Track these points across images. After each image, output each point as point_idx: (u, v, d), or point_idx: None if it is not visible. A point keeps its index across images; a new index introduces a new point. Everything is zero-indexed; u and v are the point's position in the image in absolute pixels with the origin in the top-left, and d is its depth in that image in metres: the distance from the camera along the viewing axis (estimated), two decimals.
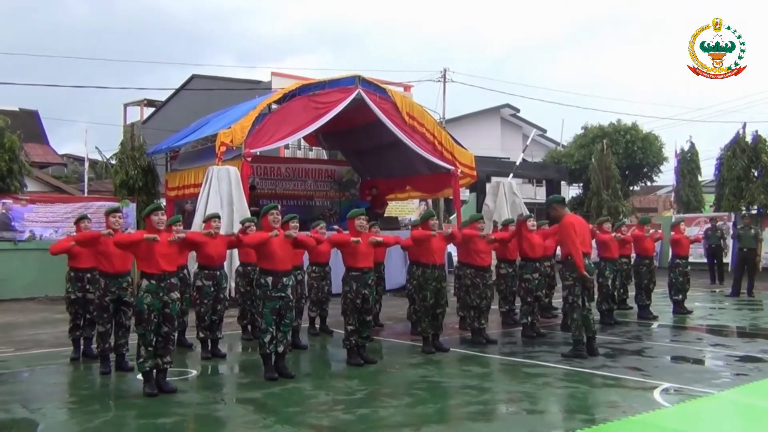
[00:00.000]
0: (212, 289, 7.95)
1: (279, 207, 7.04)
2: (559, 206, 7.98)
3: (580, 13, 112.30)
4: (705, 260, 18.14)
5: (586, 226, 8.13)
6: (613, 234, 10.69)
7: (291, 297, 6.71)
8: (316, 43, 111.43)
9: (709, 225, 18.21)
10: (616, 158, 24.84)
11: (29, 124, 24.30)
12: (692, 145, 24.85)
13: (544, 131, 37.58)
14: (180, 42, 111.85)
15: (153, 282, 6.04)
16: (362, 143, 16.49)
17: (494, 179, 17.35)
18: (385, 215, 16.93)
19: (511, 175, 17.77)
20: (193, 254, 8.30)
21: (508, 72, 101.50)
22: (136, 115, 33.91)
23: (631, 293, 11.56)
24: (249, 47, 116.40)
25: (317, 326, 9.62)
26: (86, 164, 22.77)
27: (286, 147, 21.99)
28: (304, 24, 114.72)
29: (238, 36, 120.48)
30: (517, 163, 19.16)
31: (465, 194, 21.23)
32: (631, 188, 28.40)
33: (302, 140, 19.30)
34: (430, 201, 20.78)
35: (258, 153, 13.15)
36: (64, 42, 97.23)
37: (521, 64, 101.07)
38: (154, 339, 6.04)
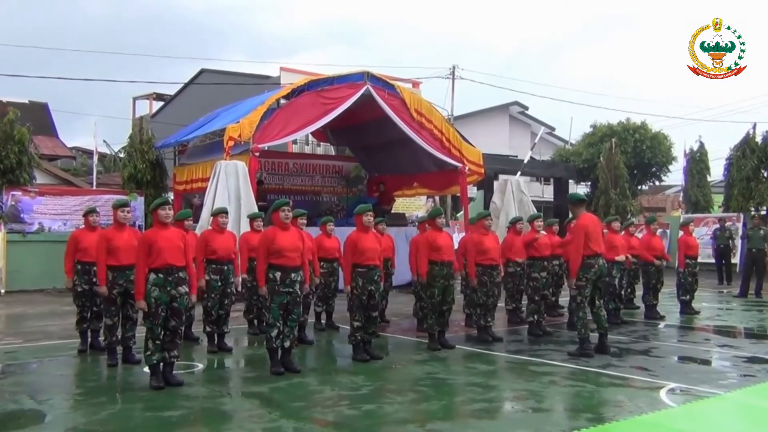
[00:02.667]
0: (220, 283, 7.98)
1: (290, 203, 7.01)
2: (572, 205, 7.98)
3: (589, 13, 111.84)
4: (713, 261, 18.07)
5: (599, 226, 8.06)
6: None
7: (299, 292, 6.71)
8: (327, 40, 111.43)
9: (717, 225, 18.13)
10: (625, 157, 24.73)
11: (39, 117, 24.35)
12: (701, 145, 24.72)
13: (553, 129, 37.44)
14: (192, 38, 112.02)
15: (160, 276, 6.06)
16: (370, 139, 16.48)
17: (502, 177, 17.27)
18: (392, 211, 16.92)
19: (519, 172, 17.72)
20: None
21: (518, 71, 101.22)
22: (145, 108, 34.02)
23: (639, 293, 11.52)
24: (260, 44, 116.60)
25: (323, 322, 9.63)
26: (95, 157, 22.82)
27: (294, 142, 21.99)
28: (316, 21, 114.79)
29: (250, 32, 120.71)
30: (525, 161, 19.10)
31: (472, 191, 21.14)
32: (639, 187, 28.27)
33: (310, 136, 19.31)
34: (437, 198, 20.79)
35: (266, 148, 13.16)
36: (79, 36, 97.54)
37: (531, 63, 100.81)
38: (162, 332, 6.06)
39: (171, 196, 15.17)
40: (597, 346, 7.69)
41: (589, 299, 7.69)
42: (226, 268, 8.07)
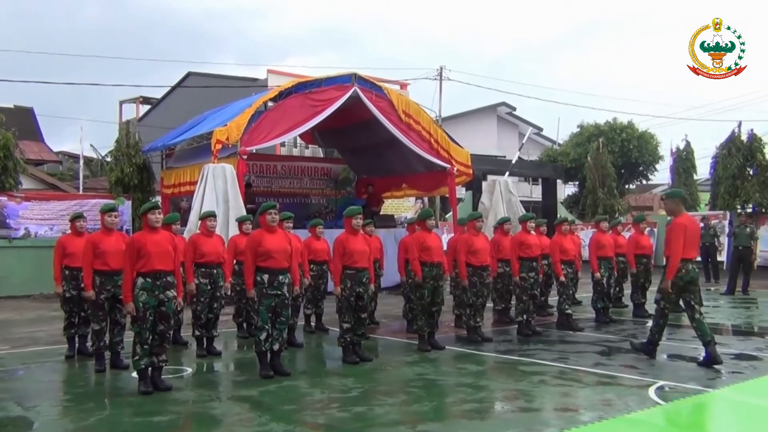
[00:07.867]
0: (209, 287, 7.94)
1: (277, 206, 7.00)
2: (672, 202, 7.40)
3: (577, 14, 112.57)
4: (699, 258, 18.18)
5: (698, 231, 7.54)
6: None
7: (287, 295, 6.70)
8: (319, 44, 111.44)
9: (701, 224, 18.25)
10: (612, 157, 24.90)
11: (24, 122, 24.24)
12: (688, 144, 25.00)
13: (540, 129, 37.66)
14: (185, 41, 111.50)
15: (148, 280, 6.02)
16: (358, 141, 16.47)
17: (490, 177, 17.33)
18: (381, 213, 16.92)
19: (507, 173, 17.76)
20: None
21: (506, 72, 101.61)
22: (132, 112, 33.87)
23: (627, 291, 11.58)
24: (251, 47, 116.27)
25: (313, 324, 9.61)
26: (81, 162, 22.70)
27: (282, 145, 21.97)
28: (307, 25, 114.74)
29: (242, 36, 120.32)
30: (513, 162, 19.15)
31: (461, 192, 21.24)
32: (626, 187, 28.50)
33: (298, 138, 19.28)
34: (426, 199, 20.81)
35: (254, 151, 13.12)
36: (74, 41, 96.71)
37: (519, 65, 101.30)
38: (150, 337, 6.03)
39: (158, 199, 15.10)
40: (709, 357, 7.02)
41: (687, 306, 7.29)
42: (215, 271, 8.03)
